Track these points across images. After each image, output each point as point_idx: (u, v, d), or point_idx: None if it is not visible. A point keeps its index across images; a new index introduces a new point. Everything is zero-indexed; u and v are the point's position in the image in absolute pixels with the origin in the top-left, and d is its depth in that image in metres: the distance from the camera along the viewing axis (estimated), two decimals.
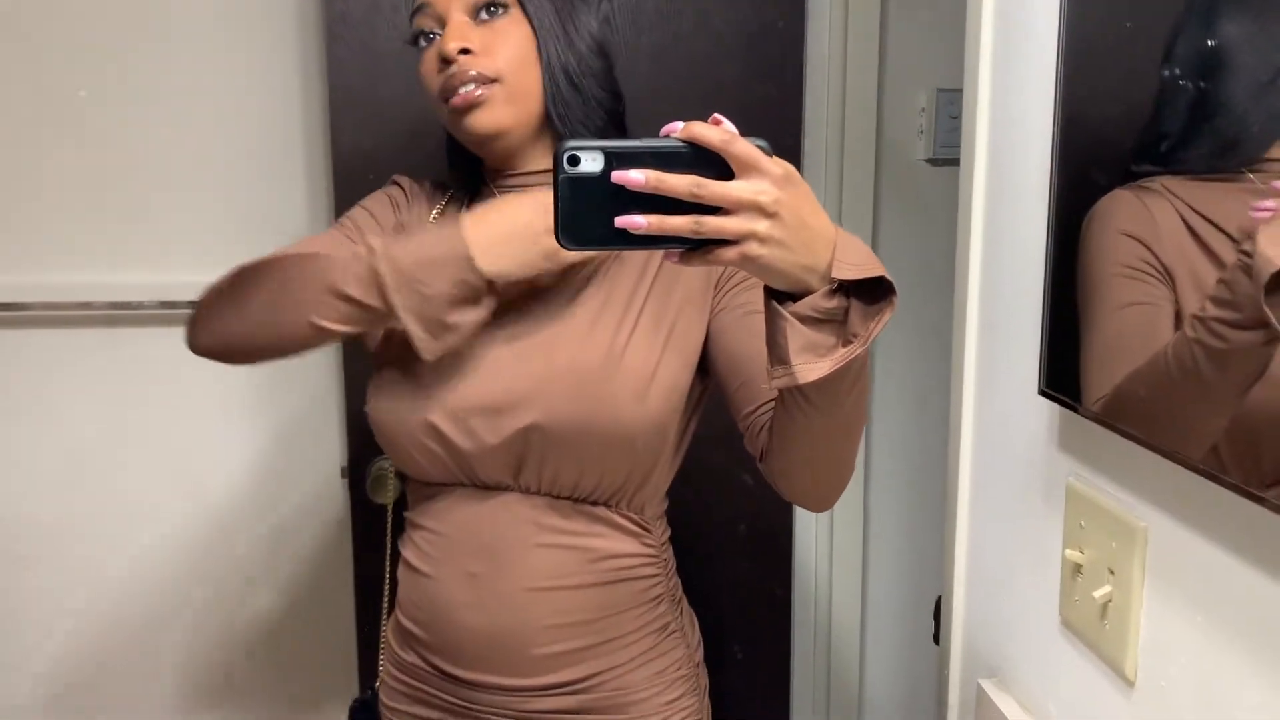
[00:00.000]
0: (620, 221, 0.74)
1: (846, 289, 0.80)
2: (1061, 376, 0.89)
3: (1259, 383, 0.64)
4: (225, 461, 1.89)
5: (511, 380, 1.09)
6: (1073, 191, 0.87)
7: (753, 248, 0.75)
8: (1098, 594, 0.85)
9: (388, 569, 1.38)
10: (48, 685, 1.90)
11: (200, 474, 1.88)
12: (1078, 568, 0.90)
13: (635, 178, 0.73)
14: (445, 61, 1.08)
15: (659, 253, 1.14)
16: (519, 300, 1.13)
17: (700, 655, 1.24)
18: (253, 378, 1.87)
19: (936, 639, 1.24)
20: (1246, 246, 0.66)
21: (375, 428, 1.14)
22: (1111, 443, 0.84)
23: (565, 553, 1.11)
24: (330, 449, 1.89)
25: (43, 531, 1.86)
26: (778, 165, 0.75)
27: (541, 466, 1.09)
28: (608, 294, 1.13)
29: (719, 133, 0.74)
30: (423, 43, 1.12)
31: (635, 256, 1.15)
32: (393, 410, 1.11)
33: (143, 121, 1.78)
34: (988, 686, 1.06)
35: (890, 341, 1.94)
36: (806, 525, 1.99)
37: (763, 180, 0.74)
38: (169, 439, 1.86)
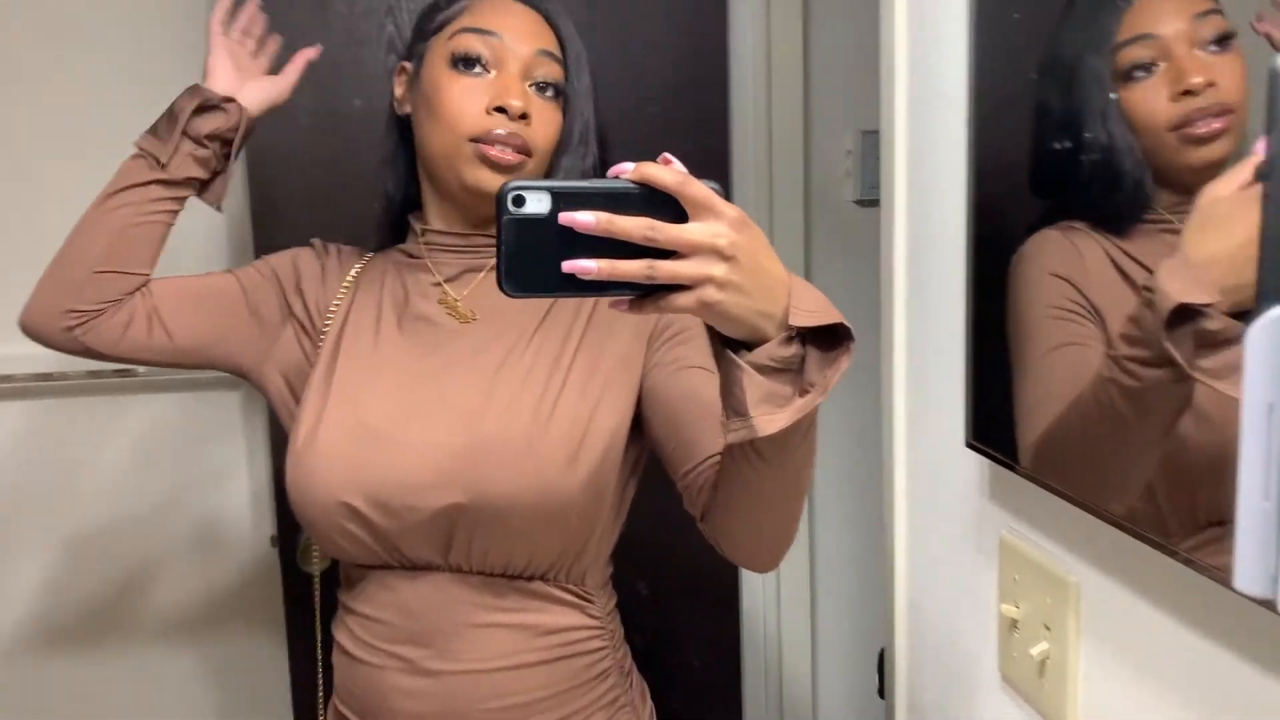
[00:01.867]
0: (569, 266, 0.69)
1: (803, 337, 0.76)
2: (988, 427, 0.88)
3: (1186, 419, 0.63)
4: (153, 533, 1.82)
5: (433, 455, 1.04)
6: (992, 235, 0.86)
7: (710, 293, 0.70)
8: (1035, 651, 0.83)
9: (319, 655, 1.32)
10: None
11: (124, 547, 1.82)
12: (1014, 623, 0.88)
13: (585, 219, 0.68)
14: (501, 111, 1.05)
15: (587, 307, 1.14)
16: (444, 369, 1.09)
17: None
18: (177, 444, 1.81)
19: (881, 693, 1.21)
20: (1149, 282, 0.65)
21: (294, 508, 1.09)
22: (1041, 496, 0.82)
23: (505, 631, 1.06)
24: (261, 516, 1.84)
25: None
26: (731, 208, 0.71)
27: (470, 544, 1.04)
28: (535, 356, 1.09)
29: (673, 174, 0.70)
30: (463, 68, 1.07)
31: (563, 313, 1.12)
32: (307, 490, 1.06)
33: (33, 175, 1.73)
34: None
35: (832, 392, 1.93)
36: (753, 574, 1.96)
37: (719, 223, 0.70)
38: (92, 510, 1.80)
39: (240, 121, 1.15)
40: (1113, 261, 0.70)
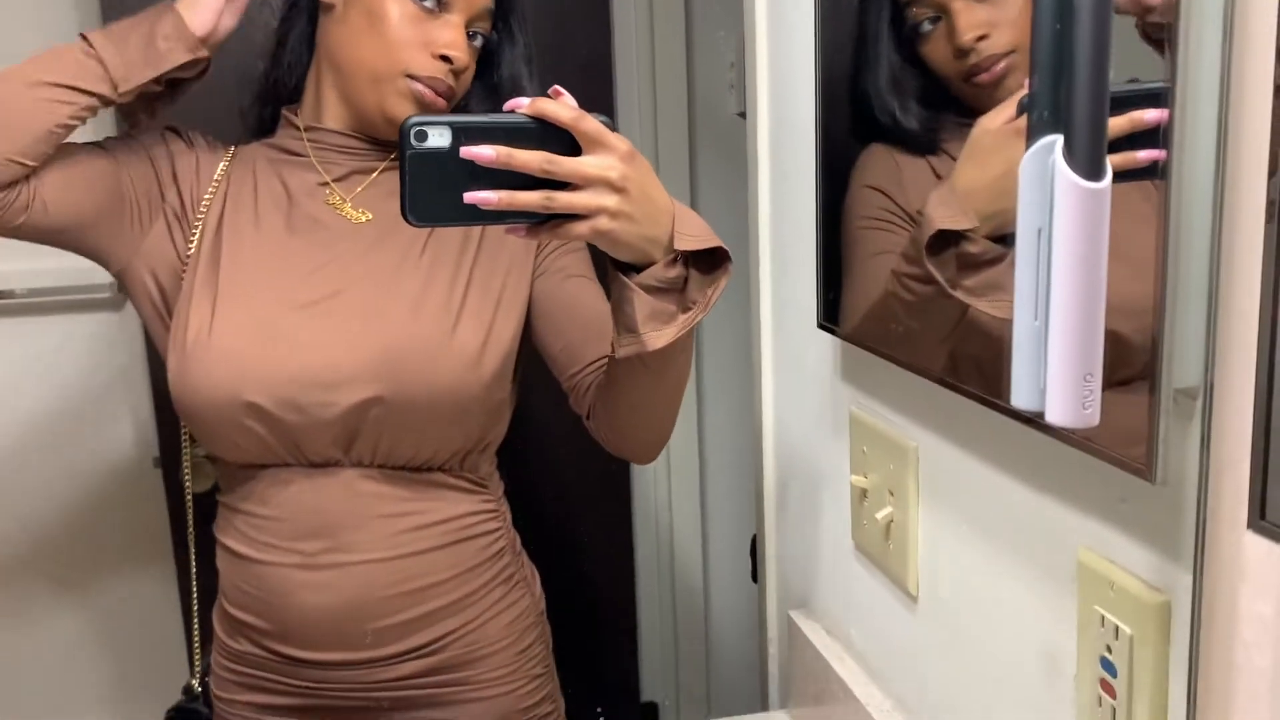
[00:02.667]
0: (470, 198, 0.73)
1: (685, 259, 0.83)
2: (835, 309, 0.92)
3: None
4: (30, 458, 1.78)
5: (343, 353, 1.05)
6: (833, 148, 0.91)
7: (602, 222, 0.77)
8: (880, 515, 0.89)
9: (193, 556, 1.32)
10: None
11: (4, 475, 1.78)
12: (864, 492, 0.93)
13: (485, 153, 0.73)
14: (441, 57, 1.06)
15: None
16: (338, 268, 1.09)
17: (543, 605, 1.24)
18: (52, 369, 1.77)
19: (755, 576, 1.27)
20: (920, 207, 0.72)
21: (183, 411, 1.08)
22: (883, 371, 0.87)
23: (405, 519, 1.09)
24: (144, 436, 1.81)
25: None
26: (622, 141, 0.77)
27: (377, 440, 1.06)
28: (433, 259, 1.10)
29: (567, 110, 0.75)
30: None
31: None
32: (202, 390, 1.04)
33: None
34: (796, 617, 1.10)
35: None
36: (644, 470, 2.01)
37: (610, 156, 0.76)
38: None
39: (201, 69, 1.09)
40: (934, 171, 0.75)
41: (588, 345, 1.07)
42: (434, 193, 0.74)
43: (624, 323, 0.85)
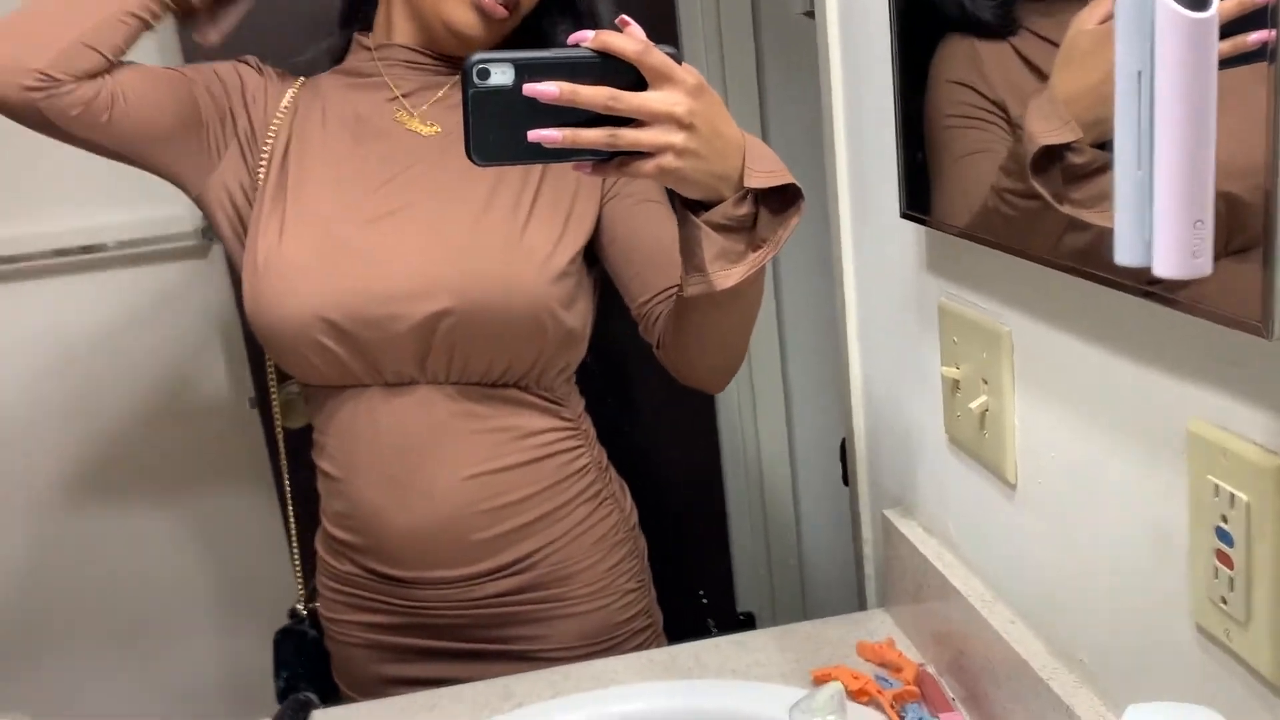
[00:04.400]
0: (534, 136, 0.72)
1: (755, 196, 0.81)
2: (920, 197, 0.89)
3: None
4: (129, 404, 1.85)
5: (413, 265, 1.05)
6: (911, 33, 0.87)
7: (669, 160, 0.75)
8: (974, 405, 0.86)
9: (288, 489, 1.36)
10: None
11: (107, 421, 1.84)
12: (955, 384, 0.90)
13: (547, 90, 0.71)
14: None
15: None
16: (406, 181, 1.10)
17: (635, 519, 1.25)
18: (146, 318, 1.82)
19: (845, 480, 1.26)
20: (1019, 121, 0.68)
21: (259, 333, 1.10)
22: (971, 256, 0.84)
23: (485, 436, 1.10)
24: (240, 377, 1.86)
25: None
26: (690, 74, 0.74)
27: (450, 354, 1.07)
28: (498, 174, 1.10)
29: (633, 43, 0.72)
30: None
31: None
32: (277, 308, 1.06)
33: None
34: (892, 515, 1.08)
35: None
36: (727, 390, 2.00)
37: (676, 91, 0.74)
38: (65, 387, 1.82)
39: None
40: (1018, 53, 0.70)
41: (657, 273, 1.07)
42: (498, 131, 0.73)
43: (692, 261, 0.83)
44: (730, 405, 2.02)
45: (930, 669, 1.00)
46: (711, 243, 0.81)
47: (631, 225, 1.10)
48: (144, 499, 1.89)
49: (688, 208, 0.82)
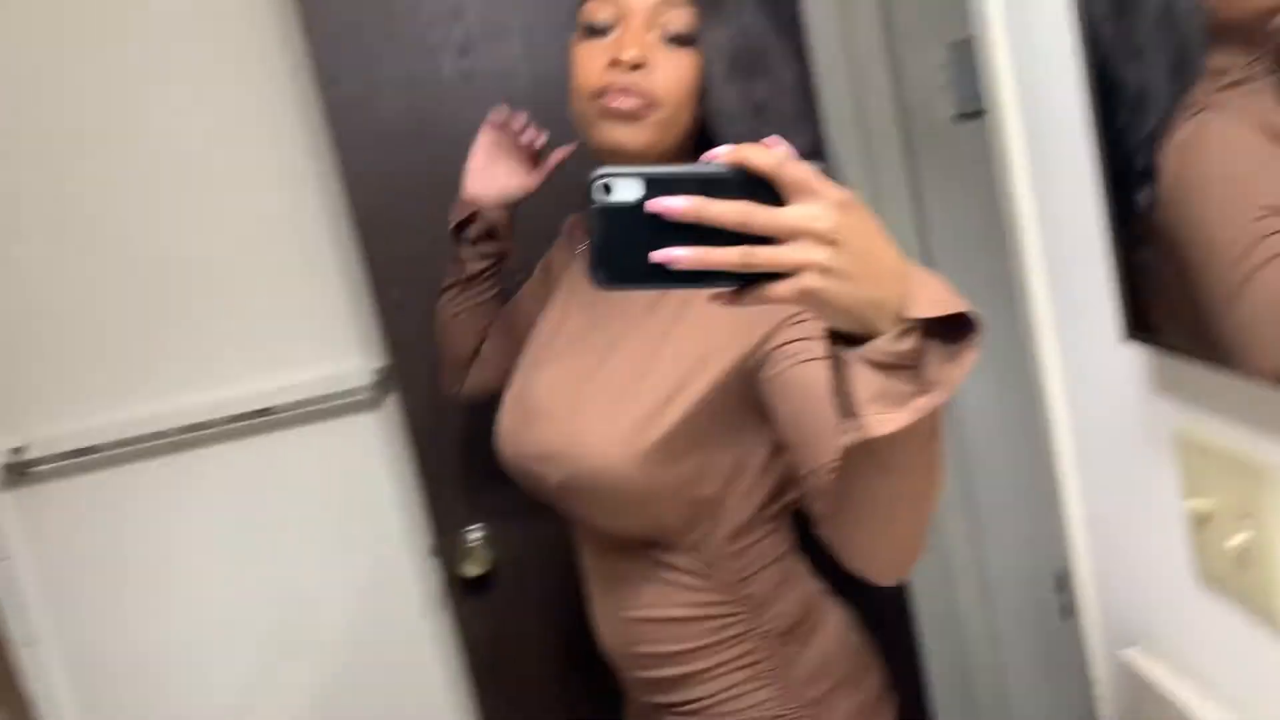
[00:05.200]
0: (658, 255, 0.65)
1: (924, 329, 0.70)
2: (1147, 318, 0.83)
3: None
4: (316, 563, 1.88)
5: (547, 433, 1.13)
6: (1126, 124, 0.81)
7: (811, 279, 0.66)
8: (1232, 543, 0.79)
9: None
10: None
11: (293, 582, 1.88)
12: (1206, 517, 0.83)
13: (674, 205, 0.65)
14: (616, 63, 1.07)
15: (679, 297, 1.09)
16: (569, 332, 1.19)
17: (810, 696, 1.14)
18: (322, 474, 1.86)
19: (1065, 612, 1.17)
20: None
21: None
22: (1218, 381, 0.78)
23: (642, 585, 1.15)
24: (415, 529, 1.88)
25: (170, 652, 1.88)
26: (835, 189, 0.67)
27: (583, 516, 1.16)
28: (627, 322, 1.13)
29: (768, 155, 0.66)
30: (591, 33, 1.10)
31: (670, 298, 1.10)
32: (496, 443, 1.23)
33: (162, 231, 1.79)
34: (1134, 656, 0.99)
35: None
36: None
37: (817, 204, 0.66)
38: (255, 550, 1.87)
39: (490, 223, 1.34)
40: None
41: (825, 441, 0.89)
42: (624, 251, 0.66)
43: (844, 405, 0.71)
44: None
45: None
46: (867, 382, 0.69)
47: (794, 387, 0.97)
48: (327, 659, 1.91)
49: (839, 342, 0.71)
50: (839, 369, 0.72)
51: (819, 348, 0.95)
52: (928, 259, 1.85)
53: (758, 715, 1.12)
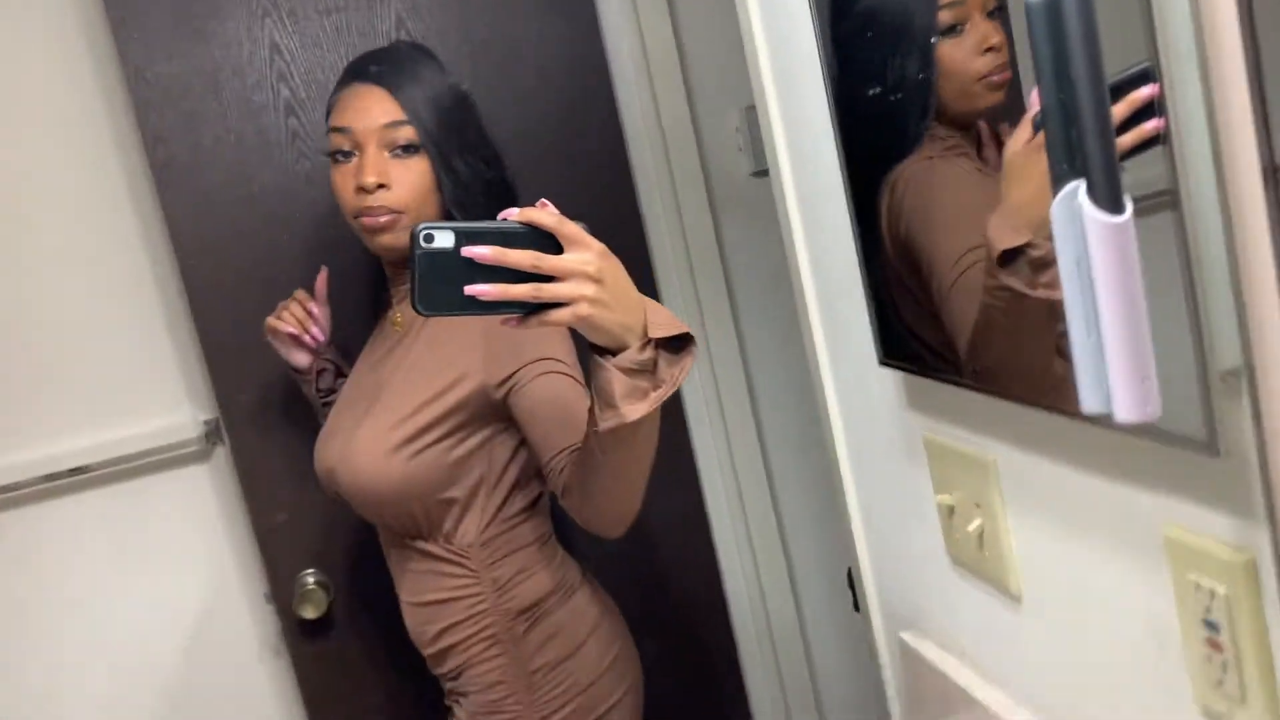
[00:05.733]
0: (471, 290, 0.88)
1: (655, 344, 0.99)
2: (897, 345, 0.99)
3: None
4: (147, 618, 1.88)
5: (333, 451, 1.39)
6: (862, 178, 0.98)
7: (583, 308, 0.92)
8: (971, 527, 0.95)
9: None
10: None
11: (121, 642, 1.87)
12: (951, 509, 0.99)
13: (482, 252, 0.88)
14: (362, 190, 1.32)
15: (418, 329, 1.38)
16: (366, 369, 1.44)
17: (535, 667, 1.36)
18: (147, 528, 1.87)
19: (856, 606, 1.33)
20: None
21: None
22: (951, 395, 0.94)
23: (416, 575, 1.39)
24: (248, 576, 1.90)
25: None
26: (597, 243, 0.94)
27: (365, 514, 1.41)
28: (399, 360, 1.41)
29: (551, 216, 0.92)
30: (340, 159, 1.36)
31: (421, 335, 1.40)
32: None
33: None
34: (908, 638, 1.15)
35: (759, 340, 2.06)
36: (723, 526, 2.07)
37: (588, 252, 0.93)
38: (94, 604, 1.85)
39: (311, 378, 1.59)
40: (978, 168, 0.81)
41: (561, 431, 1.23)
42: (440, 286, 0.88)
43: (604, 399, 1.00)
44: (726, 537, 2.09)
45: None
46: (621, 383, 0.98)
47: (534, 397, 1.27)
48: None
49: (599, 354, 0.99)
50: (599, 373, 0.99)
51: (549, 365, 1.27)
52: (731, 296, 2.02)
53: (488, 680, 1.37)
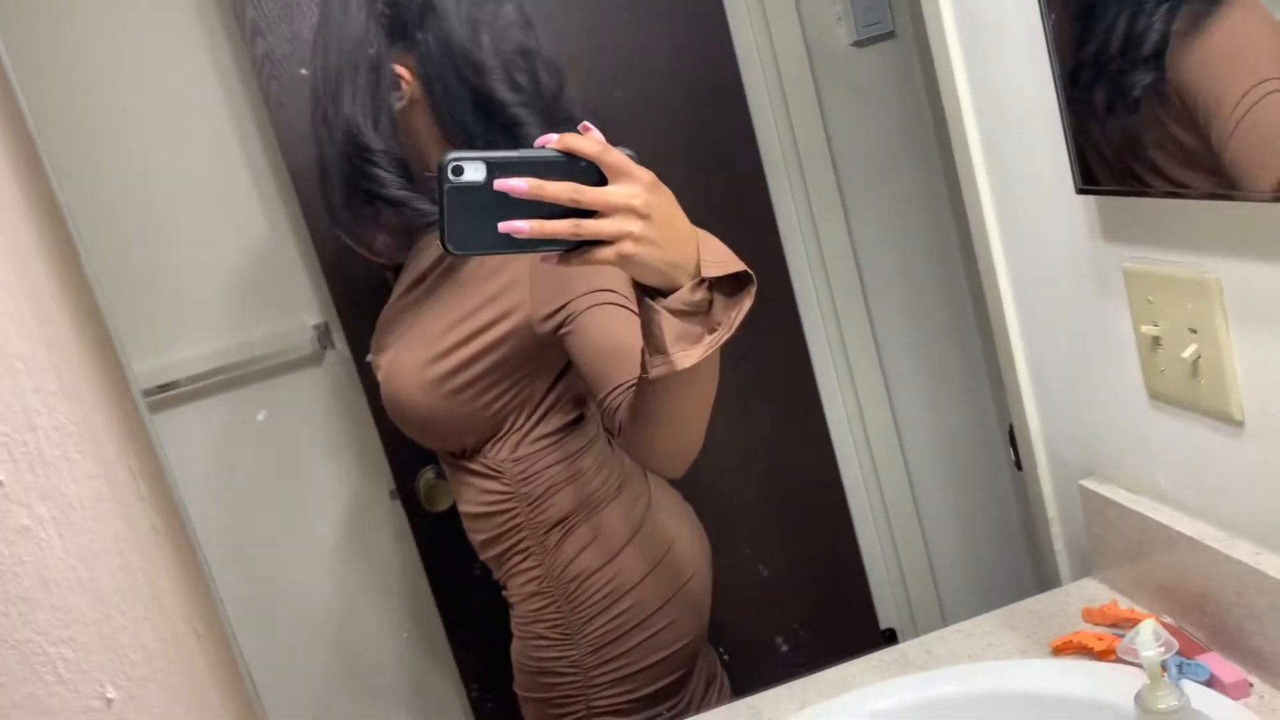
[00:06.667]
0: (504, 227, 0.80)
1: (710, 283, 0.90)
2: (1097, 170, 0.94)
3: None
4: (273, 520, 1.89)
5: (382, 372, 1.33)
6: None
7: (628, 246, 0.84)
8: (1186, 354, 0.91)
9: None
10: None
11: (260, 536, 1.89)
12: (1155, 340, 0.95)
13: (517, 185, 0.80)
14: None
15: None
16: (417, 294, 1.32)
17: (572, 575, 1.32)
18: (270, 432, 1.87)
19: (1019, 465, 1.30)
20: None
21: None
22: (1168, 213, 0.89)
23: (463, 487, 1.36)
24: (375, 471, 1.91)
25: None
26: (645, 172, 0.85)
27: (410, 433, 1.34)
28: (447, 290, 1.28)
29: (593, 143, 0.83)
30: None
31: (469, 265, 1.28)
32: None
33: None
34: (1090, 484, 1.12)
35: (866, 223, 2.01)
36: (842, 434, 2.06)
37: (634, 185, 0.84)
38: (214, 508, 1.87)
39: None
40: None
41: (616, 368, 1.13)
42: (471, 223, 0.80)
43: (654, 344, 0.92)
44: (839, 419, 2.07)
45: (1167, 619, 1.03)
46: (671, 326, 0.90)
47: (587, 331, 1.17)
48: (297, 609, 1.93)
49: (648, 295, 0.91)
50: (647, 316, 0.91)
51: (602, 297, 1.17)
52: (835, 173, 1.98)
53: (526, 590, 1.35)
